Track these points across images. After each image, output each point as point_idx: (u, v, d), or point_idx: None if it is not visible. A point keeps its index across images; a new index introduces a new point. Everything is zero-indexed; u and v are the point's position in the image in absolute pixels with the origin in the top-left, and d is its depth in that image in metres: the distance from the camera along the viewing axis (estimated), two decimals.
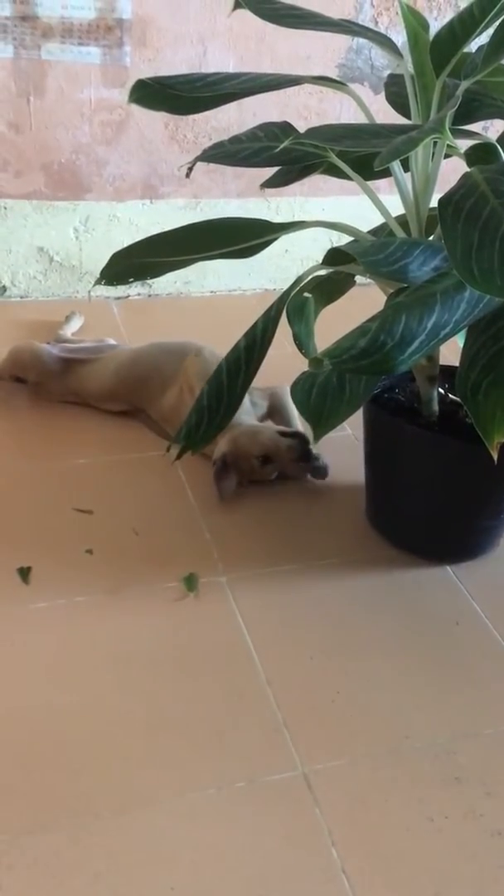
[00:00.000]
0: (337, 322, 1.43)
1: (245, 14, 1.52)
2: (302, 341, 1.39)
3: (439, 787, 1.24)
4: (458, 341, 1.35)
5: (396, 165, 1.43)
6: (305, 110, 2.41)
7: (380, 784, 1.23)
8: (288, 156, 1.48)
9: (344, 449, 1.89)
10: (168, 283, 2.53)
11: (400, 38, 2.04)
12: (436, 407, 1.57)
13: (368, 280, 1.48)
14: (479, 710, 1.36)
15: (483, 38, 1.34)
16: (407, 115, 1.49)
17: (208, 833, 1.15)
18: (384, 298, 1.36)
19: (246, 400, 1.87)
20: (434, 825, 1.19)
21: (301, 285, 1.45)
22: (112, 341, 2.13)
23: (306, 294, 1.46)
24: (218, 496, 1.73)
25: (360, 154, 1.47)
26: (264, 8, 1.52)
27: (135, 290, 2.53)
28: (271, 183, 1.65)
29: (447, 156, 1.42)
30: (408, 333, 1.19)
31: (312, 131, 1.42)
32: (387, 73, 2.33)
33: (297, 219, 2.49)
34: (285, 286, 1.48)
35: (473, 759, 1.28)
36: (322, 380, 1.35)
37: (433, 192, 1.46)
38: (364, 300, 1.55)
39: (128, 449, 1.87)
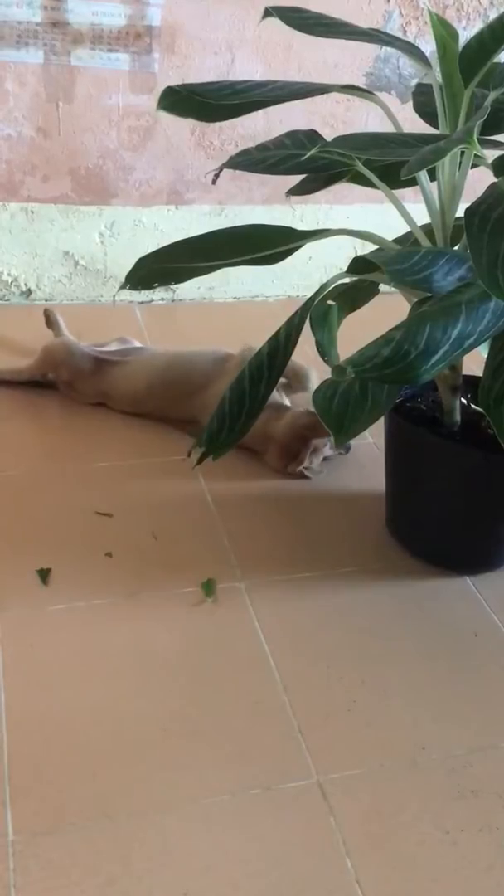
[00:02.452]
0: (360, 330, 1.43)
1: (273, 22, 1.52)
2: (325, 349, 1.39)
3: (455, 800, 1.23)
4: (482, 352, 1.34)
5: (423, 175, 1.42)
6: (332, 118, 2.41)
7: (395, 795, 1.23)
8: (314, 164, 1.48)
9: (365, 457, 1.89)
10: (192, 288, 2.54)
11: (428, 47, 2.04)
12: (458, 417, 1.56)
13: (392, 289, 1.48)
14: (497, 723, 1.35)
15: None
16: (434, 124, 1.49)
17: (222, 839, 1.15)
18: (408, 307, 1.35)
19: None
20: (449, 838, 1.18)
21: (325, 293, 1.45)
22: (137, 343, 2.14)
23: (330, 302, 1.46)
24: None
25: (386, 163, 1.47)
26: (293, 17, 1.53)
27: (159, 294, 2.54)
28: (297, 190, 1.65)
29: (474, 165, 1.42)
30: (432, 343, 1.19)
31: (339, 140, 1.42)
32: (414, 82, 2.33)
33: (321, 226, 2.49)
34: (309, 293, 1.48)
35: (490, 771, 1.27)
36: (344, 388, 1.35)
37: (459, 201, 1.45)
38: (388, 309, 1.55)
39: (149, 453, 1.88)
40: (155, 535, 1.65)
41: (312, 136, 1.54)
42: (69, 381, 1.99)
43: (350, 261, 1.43)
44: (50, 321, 2.18)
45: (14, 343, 2.20)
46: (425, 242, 1.49)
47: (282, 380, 2.02)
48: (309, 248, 1.58)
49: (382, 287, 1.59)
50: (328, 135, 1.54)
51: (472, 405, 1.59)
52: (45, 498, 1.72)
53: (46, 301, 2.46)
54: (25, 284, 2.44)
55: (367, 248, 1.92)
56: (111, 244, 2.45)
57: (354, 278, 1.52)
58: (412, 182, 1.35)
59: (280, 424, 1.83)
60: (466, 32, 2.29)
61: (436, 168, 1.42)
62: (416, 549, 1.66)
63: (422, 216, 1.51)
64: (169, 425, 1.95)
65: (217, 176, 1.58)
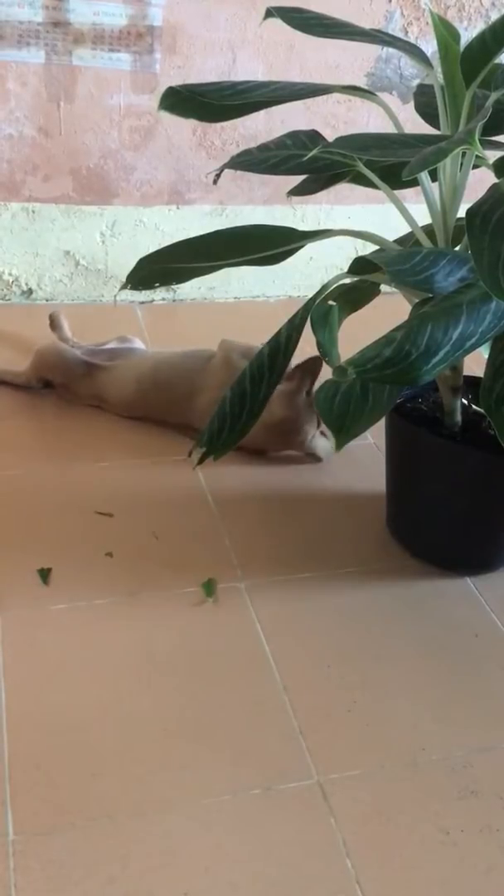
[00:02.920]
0: (361, 331, 1.43)
1: (275, 22, 1.52)
2: (326, 349, 1.38)
3: (455, 801, 1.23)
4: (483, 352, 1.34)
5: (424, 175, 1.42)
6: (333, 118, 2.41)
7: (395, 795, 1.23)
8: (315, 164, 1.48)
9: (366, 458, 1.89)
10: (192, 288, 2.54)
11: (430, 47, 2.04)
12: (459, 418, 1.56)
13: (393, 289, 1.48)
14: (497, 724, 1.35)
15: None
16: (436, 125, 1.49)
17: (223, 839, 1.15)
18: (409, 308, 1.36)
19: None
20: (450, 838, 1.18)
21: (326, 293, 1.45)
22: (138, 341, 2.14)
23: (331, 302, 1.46)
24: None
25: (387, 163, 1.47)
26: (294, 17, 1.53)
27: (159, 294, 2.54)
28: (298, 191, 1.65)
29: (476, 166, 1.42)
30: (433, 344, 1.19)
31: (341, 140, 1.42)
32: (416, 82, 2.33)
33: (322, 226, 2.49)
34: (310, 293, 1.48)
35: (490, 772, 1.27)
36: (346, 388, 1.35)
37: (461, 202, 1.45)
38: (389, 309, 1.55)
39: (149, 453, 1.88)
40: (156, 535, 1.65)
41: (314, 137, 1.55)
42: (63, 385, 2.00)
43: (351, 261, 1.43)
44: (54, 325, 2.17)
45: (15, 343, 2.20)
46: (426, 243, 1.49)
47: None
48: (310, 249, 1.58)
49: (383, 287, 1.59)
50: (329, 135, 1.54)
51: (473, 406, 1.60)
52: (45, 498, 1.72)
53: (47, 301, 2.46)
54: (26, 284, 2.44)
55: (368, 248, 1.93)
56: (112, 244, 2.45)
57: (355, 279, 1.52)
58: (413, 183, 1.35)
59: (274, 408, 1.79)
60: (468, 33, 2.30)
61: (437, 169, 1.42)
62: (417, 550, 1.66)
63: (423, 217, 1.51)
64: (167, 428, 1.95)
65: (218, 176, 1.58)
